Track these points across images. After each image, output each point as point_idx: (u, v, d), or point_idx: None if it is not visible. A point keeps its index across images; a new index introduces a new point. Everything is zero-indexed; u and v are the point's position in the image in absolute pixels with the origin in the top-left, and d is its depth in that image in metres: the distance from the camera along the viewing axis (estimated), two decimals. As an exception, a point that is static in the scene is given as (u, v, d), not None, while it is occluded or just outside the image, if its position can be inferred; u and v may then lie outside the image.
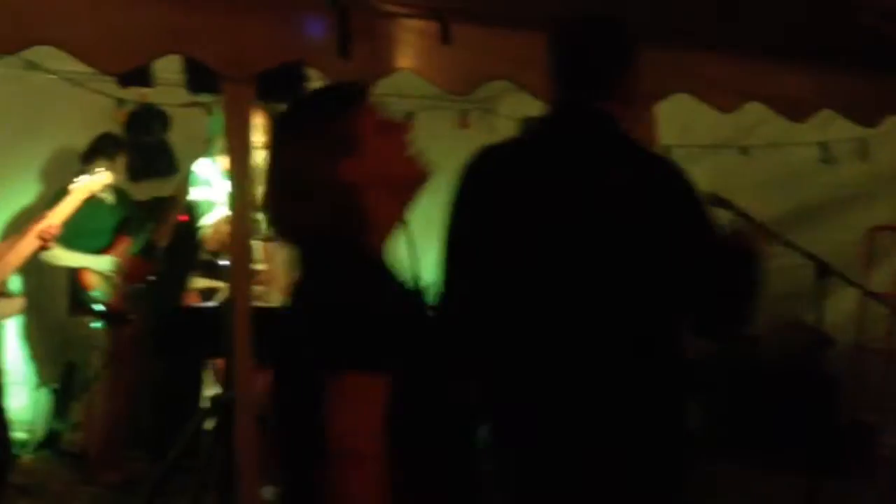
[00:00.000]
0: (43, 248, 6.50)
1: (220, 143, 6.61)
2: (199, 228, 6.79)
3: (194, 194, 6.81)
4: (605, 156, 3.73)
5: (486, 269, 3.75)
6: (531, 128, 4.04)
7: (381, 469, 2.51)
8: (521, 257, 3.71)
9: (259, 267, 6.28)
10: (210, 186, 6.70)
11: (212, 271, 6.81)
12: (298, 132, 2.82)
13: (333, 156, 2.74)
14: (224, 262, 6.67)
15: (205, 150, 7.07)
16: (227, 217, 6.33)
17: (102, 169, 7.33)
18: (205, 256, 6.88)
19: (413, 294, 2.86)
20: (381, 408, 2.53)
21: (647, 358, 3.66)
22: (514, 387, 3.73)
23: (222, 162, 6.64)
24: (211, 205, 6.68)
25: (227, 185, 6.08)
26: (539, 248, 3.68)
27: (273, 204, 2.87)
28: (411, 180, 2.84)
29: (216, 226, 6.61)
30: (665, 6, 6.02)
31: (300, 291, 2.77)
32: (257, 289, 6.14)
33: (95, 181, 7.10)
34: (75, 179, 7.06)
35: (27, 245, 6.37)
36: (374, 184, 2.76)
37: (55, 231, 6.48)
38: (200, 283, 6.92)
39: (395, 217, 2.83)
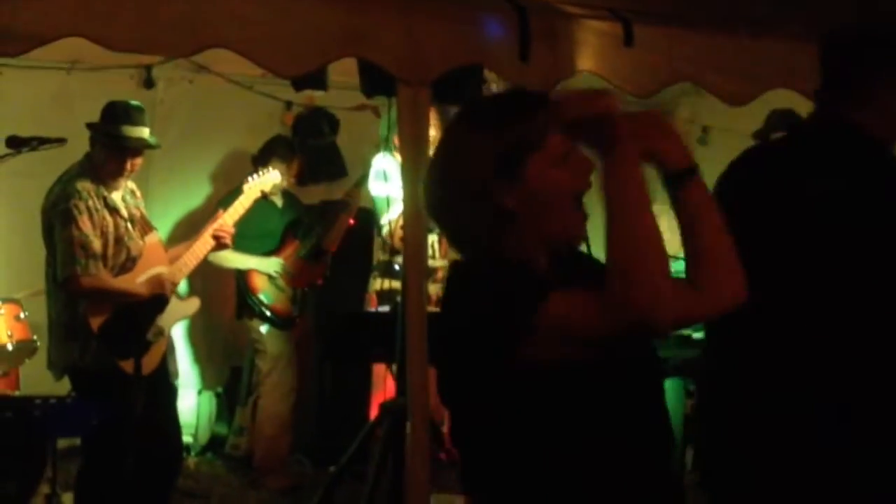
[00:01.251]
0: (218, 247, 6.49)
1: (391, 141, 6.57)
2: (381, 227, 6.74)
3: (374, 189, 6.76)
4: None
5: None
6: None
7: None
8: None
9: (436, 264, 6.21)
10: (388, 182, 6.64)
11: (390, 272, 6.76)
12: (473, 131, 2.68)
13: (497, 172, 2.60)
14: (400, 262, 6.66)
15: (378, 149, 7.02)
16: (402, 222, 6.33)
17: (272, 168, 7.31)
18: (382, 257, 6.83)
19: None
20: None
21: None
22: None
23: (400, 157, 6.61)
24: (391, 201, 6.61)
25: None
26: None
27: (431, 198, 2.76)
28: (562, 237, 2.71)
29: (396, 222, 6.55)
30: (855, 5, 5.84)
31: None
32: (433, 287, 6.09)
33: (267, 180, 7.09)
34: (248, 179, 7.05)
35: (203, 245, 6.40)
36: (528, 219, 2.63)
37: (230, 231, 6.48)
38: (379, 284, 6.87)
39: (540, 258, 2.69)
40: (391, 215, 6.68)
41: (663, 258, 2.46)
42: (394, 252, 6.81)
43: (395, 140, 6.63)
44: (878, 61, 3.52)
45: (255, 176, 7.10)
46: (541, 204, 2.62)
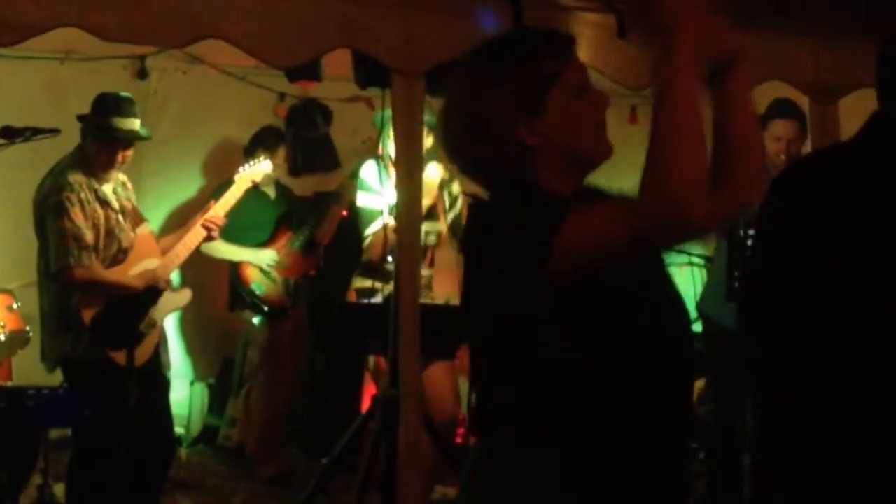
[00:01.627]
0: (209, 238, 6.48)
1: (387, 141, 6.55)
2: (365, 237, 6.72)
3: (361, 200, 6.74)
4: None
5: None
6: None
7: None
8: None
9: (423, 272, 6.21)
10: (377, 195, 6.63)
11: (372, 272, 6.76)
12: (489, 72, 2.70)
13: (518, 110, 2.64)
14: (386, 265, 6.65)
15: (369, 149, 7.01)
16: (388, 226, 6.33)
17: (263, 158, 7.29)
18: (366, 257, 6.83)
19: None
20: None
21: None
22: None
23: (391, 167, 6.60)
24: (375, 213, 6.60)
25: (392, 192, 6.07)
26: None
27: (450, 139, 2.80)
28: (590, 155, 2.73)
29: (377, 235, 6.55)
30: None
31: None
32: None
33: (257, 170, 7.07)
34: (239, 169, 7.05)
35: (194, 236, 6.38)
36: (552, 150, 2.67)
37: (220, 222, 6.46)
38: (360, 282, 6.86)
39: (563, 190, 2.70)
40: (373, 228, 6.66)
41: (706, 153, 2.47)
42: (370, 264, 6.81)
43: (384, 148, 6.67)
44: None
45: (245, 166, 7.09)
46: (564, 136, 2.66)
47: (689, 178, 2.35)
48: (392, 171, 6.24)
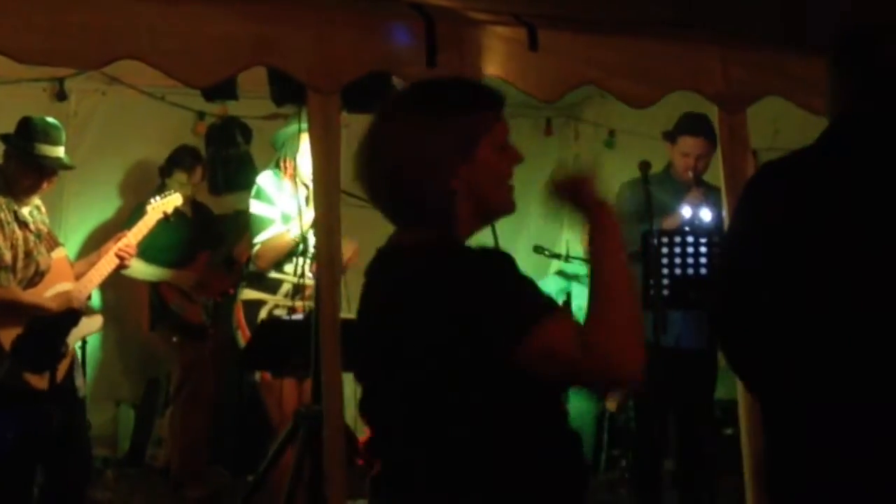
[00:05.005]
0: (121, 267, 6.53)
1: (288, 152, 6.60)
2: (254, 244, 6.75)
3: (254, 208, 6.76)
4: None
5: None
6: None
7: None
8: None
9: (309, 282, 6.26)
10: (272, 204, 6.66)
11: (260, 284, 6.79)
12: (429, 115, 2.87)
13: (454, 154, 2.82)
14: (272, 276, 6.68)
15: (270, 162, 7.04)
16: (280, 235, 6.48)
17: (173, 191, 7.33)
18: (252, 268, 6.85)
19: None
20: None
21: None
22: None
23: (287, 177, 6.63)
24: (268, 222, 6.63)
25: (289, 202, 6.09)
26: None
27: (381, 180, 2.91)
28: (498, 208, 2.95)
29: (266, 244, 6.59)
30: (753, 5, 5.97)
31: None
32: (308, 304, 6.15)
33: (168, 202, 7.13)
34: (150, 200, 7.09)
35: (107, 264, 6.45)
36: (469, 197, 2.84)
37: (133, 251, 6.55)
38: (247, 294, 6.88)
39: (472, 232, 2.92)
40: (264, 236, 6.68)
41: (638, 312, 2.83)
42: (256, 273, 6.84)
43: (283, 162, 6.74)
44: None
45: (157, 197, 7.14)
46: (483, 184, 2.85)
47: (623, 343, 2.66)
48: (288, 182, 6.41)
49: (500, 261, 2.78)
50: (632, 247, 6.32)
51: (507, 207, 2.94)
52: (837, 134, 3.71)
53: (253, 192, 6.86)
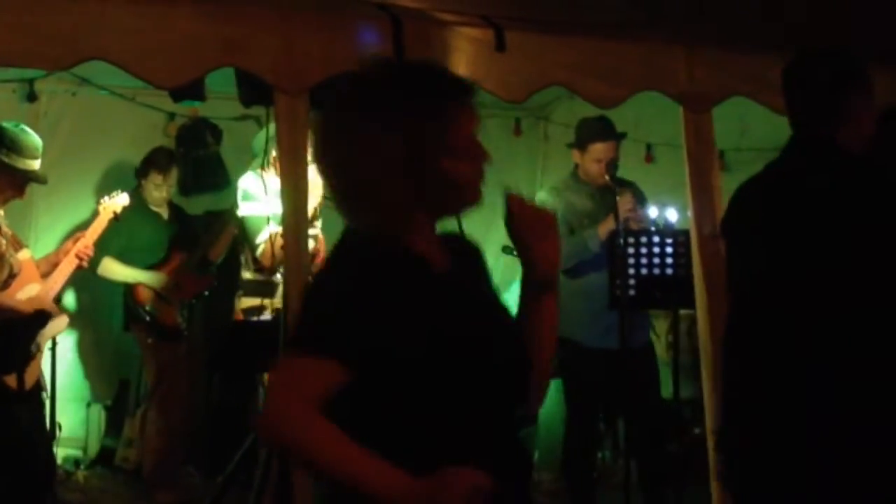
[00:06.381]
0: (80, 267, 6.59)
1: (268, 156, 6.60)
2: (255, 246, 6.75)
3: (244, 210, 6.78)
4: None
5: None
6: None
7: None
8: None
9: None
10: (258, 202, 6.67)
11: (257, 290, 6.80)
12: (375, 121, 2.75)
13: (395, 164, 2.71)
14: (269, 280, 6.69)
15: (252, 164, 7.04)
16: (275, 236, 6.37)
17: (122, 192, 7.35)
18: (248, 276, 6.86)
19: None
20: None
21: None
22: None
23: (269, 176, 6.62)
24: (262, 220, 6.64)
25: (275, 200, 6.09)
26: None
27: (341, 180, 2.83)
28: (468, 204, 2.86)
29: (271, 241, 6.57)
30: (719, 5, 6.00)
31: None
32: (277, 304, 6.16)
33: (118, 202, 7.19)
34: (101, 201, 7.14)
35: (68, 265, 6.53)
36: (435, 191, 2.77)
37: (90, 251, 6.66)
38: (246, 302, 6.90)
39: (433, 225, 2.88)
40: (265, 235, 6.69)
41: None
42: (264, 271, 6.85)
43: (275, 161, 6.69)
44: (857, 89, 4.06)
45: (106, 198, 7.19)
46: (439, 189, 2.77)
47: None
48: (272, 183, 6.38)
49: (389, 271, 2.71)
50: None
51: (473, 198, 2.83)
52: (791, 153, 4.11)
53: (239, 195, 6.88)
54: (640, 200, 6.94)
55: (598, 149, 6.93)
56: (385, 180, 2.71)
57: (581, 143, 7.04)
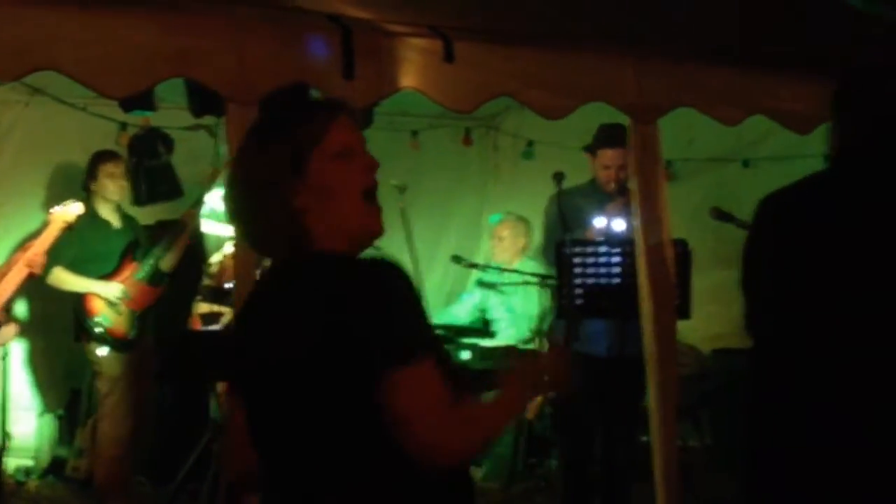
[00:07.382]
0: (31, 276, 6.61)
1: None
2: (209, 264, 6.79)
3: (207, 227, 6.81)
4: None
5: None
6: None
7: None
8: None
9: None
10: (221, 222, 6.70)
11: (215, 297, 6.81)
12: (257, 137, 2.86)
13: (283, 172, 2.75)
14: (228, 287, 6.70)
15: (213, 178, 7.05)
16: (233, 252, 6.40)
17: (74, 201, 7.35)
18: (208, 282, 6.88)
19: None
20: None
21: None
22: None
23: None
24: (221, 240, 6.68)
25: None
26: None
27: (233, 211, 2.87)
28: (360, 228, 2.85)
29: (224, 262, 6.61)
30: (666, 18, 6.05)
31: None
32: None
33: (69, 212, 7.20)
34: (52, 210, 7.15)
35: (17, 274, 6.53)
36: (319, 212, 2.77)
37: (41, 259, 6.63)
38: (203, 307, 6.91)
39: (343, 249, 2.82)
40: (217, 256, 6.73)
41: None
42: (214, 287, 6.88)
43: None
44: None
45: (58, 207, 7.20)
46: (327, 199, 2.76)
47: (473, 438, 2.76)
48: None
49: (391, 275, 2.69)
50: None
51: (367, 224, 2.85)
52: (840, 167, 4.12)
53: (204, 211, 6.89)
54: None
55: (607, 155, 6.97)
56: (278, 181, 2.74)
57: (592, 149, 7.10)
